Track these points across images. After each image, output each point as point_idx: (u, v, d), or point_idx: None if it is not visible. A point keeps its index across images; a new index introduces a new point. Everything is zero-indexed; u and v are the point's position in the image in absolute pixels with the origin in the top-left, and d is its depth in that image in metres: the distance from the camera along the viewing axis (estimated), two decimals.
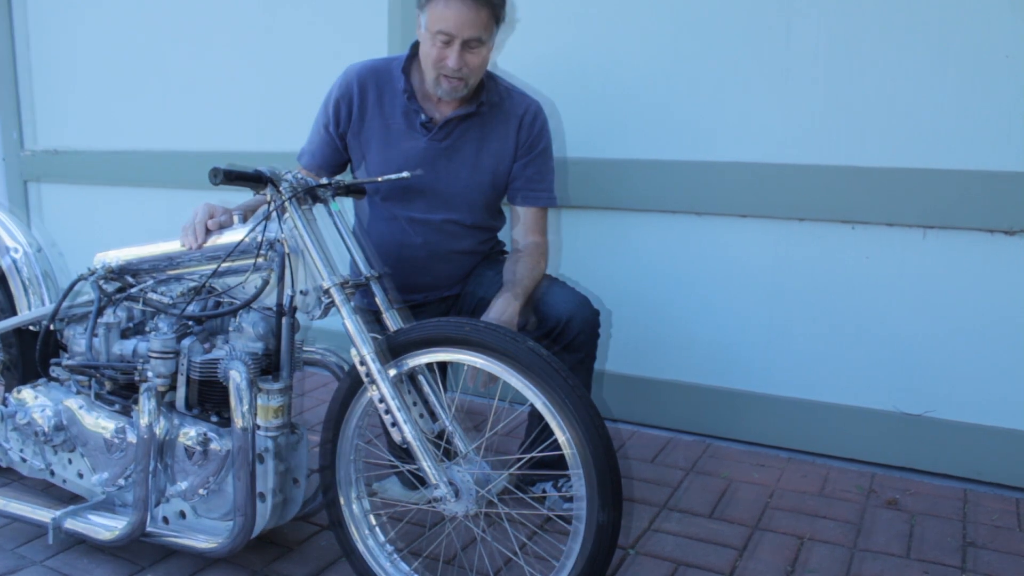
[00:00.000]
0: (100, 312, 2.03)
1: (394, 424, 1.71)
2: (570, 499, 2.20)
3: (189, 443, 1.86)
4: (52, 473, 2.19)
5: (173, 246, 1.99)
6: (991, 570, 1.96)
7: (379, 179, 1.91)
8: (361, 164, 2.20)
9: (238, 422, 1.77)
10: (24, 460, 2.23)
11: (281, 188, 1.79)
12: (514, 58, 2.75)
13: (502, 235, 2.34)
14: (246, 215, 1.97)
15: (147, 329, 2.03)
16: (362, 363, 1.73)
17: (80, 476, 2.15)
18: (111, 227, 3.96)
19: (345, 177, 2.02)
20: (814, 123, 2.43)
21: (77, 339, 2.06)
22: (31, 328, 2.27)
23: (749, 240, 2.57)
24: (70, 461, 2.15)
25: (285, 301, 1.83)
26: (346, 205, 2.32)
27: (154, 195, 3.77)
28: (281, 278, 1.81)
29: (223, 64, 3.49)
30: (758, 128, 2.51)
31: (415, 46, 2.13)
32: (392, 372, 1.73)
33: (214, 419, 1.93)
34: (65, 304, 2.16)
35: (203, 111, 3.57)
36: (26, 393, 2.18)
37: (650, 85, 2.63)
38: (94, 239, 4.05)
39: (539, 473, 2.16)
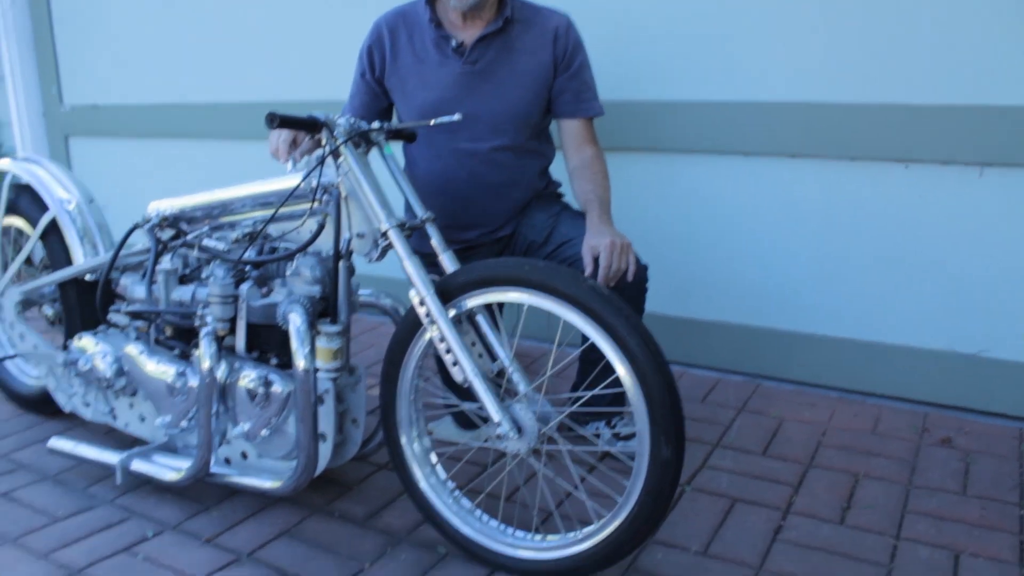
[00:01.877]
0: (157, 259, 2.06)
1: (455, 364, 1.73)
2: (624, 438, 2.23)
3: (251, 386, 1.89)
4: (114, 417, 2.24)
5: (225, 194, 2.00)
6: None
7: (431, 122, 1.90)
8: (402, 103, 2.20)
9: (300, 364, 1.80)
10: (87, 405, 2.29)
11: (335, 132, 1.79)
12: None
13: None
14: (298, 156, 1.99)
15: (203, 276, 2.05)
16: (421, 303, 1.74)
17: (142, 419, 2.20)
18: (153, 180, 3.99)
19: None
20: (866, 61, 2.38)
21: (135, 287, 2.09)
22: (86, 278, 2.31)
23: (799, 180, 2.53)
24: (131, 405, 2.20)
25: (341, 245, 1.84)
26: (395, 149, 2.33)
27: (195, 147, 3.78)
28: (337, 221, 1.82)
29: (261, 13, 3.47)
30: (808, 67, 2.46)
31: None
32: (451, 312, 1.74)
33: (273, 361, 1.97)
34: (122, 253, 2.20)
35: (242, 62, 3.57)
36: (86, 340, 2.23)
37: (696, 23, 2.58)
38: (136, 193, 4.07)
39: (592, 411, 2.17)
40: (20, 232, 2.55)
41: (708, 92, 2.60)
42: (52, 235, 2.38)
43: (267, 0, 3.44)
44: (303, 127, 1.76)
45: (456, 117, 1.90)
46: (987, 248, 2.33)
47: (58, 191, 2.39)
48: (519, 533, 1.80)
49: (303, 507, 2.04)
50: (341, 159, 1.81)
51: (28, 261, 2.53)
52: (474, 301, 1.75)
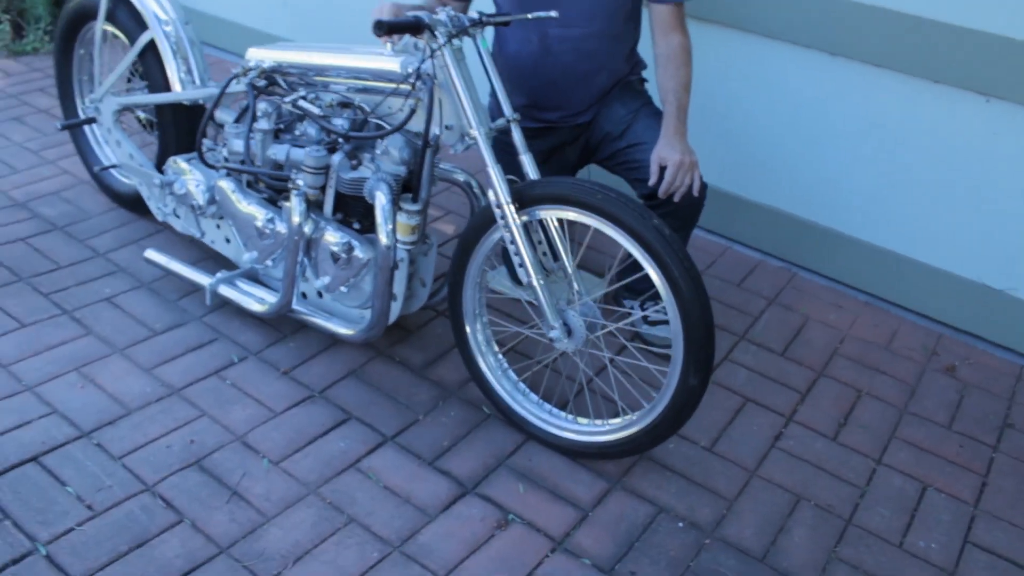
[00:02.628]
0: (254, 114, 2.17)
1: (520, 264, 1.92)
2: (652, 323, 2.43)
3: (335, 249, 2.10)
4: (202, 234, 2.47)
5: (326, 58, 2.07)
6: (1017, 452, 2.20)
7: (528, 16, 1.94)
8: None
9: (382, 239, 1.99)
10: (178, 217, 2.51)
11: (437, 33, 1.84)
12: None
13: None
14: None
15: (297, 132, 2.18)
16: (498, 206, 1.90)
17: (227, 241, 2.43)
18: None
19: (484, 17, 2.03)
20: None
21: (233, 140, 2.22)
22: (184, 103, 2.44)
23: (878, 90, 2.52)
24: (218, 227, 2.43)
25: (430, 135, 1.96)
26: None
27: None
28: (429, 112, 1.92)
29: None
30: None
31: None
32: (523, 218, 1.90)
33: (356, 227, 2.15)
34: (214, 91, 2.32)
35: None
36: (182, 165, 2.41)
37: None
38: None
39: (630, 289, 2.36)
40: (115, 37, 2.63)
41: None
42: (149, 53, 2.47)
43: None
44: (408, 30, 1.82)
45: (553, 14, 1.94)
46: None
47: (156, 9, 2.45)
48: (555, 411, 2.08)
49: (368, 348, 2.32)
50: (439, 56, 1.88)
51: None
52: (546, 213, 1.91)
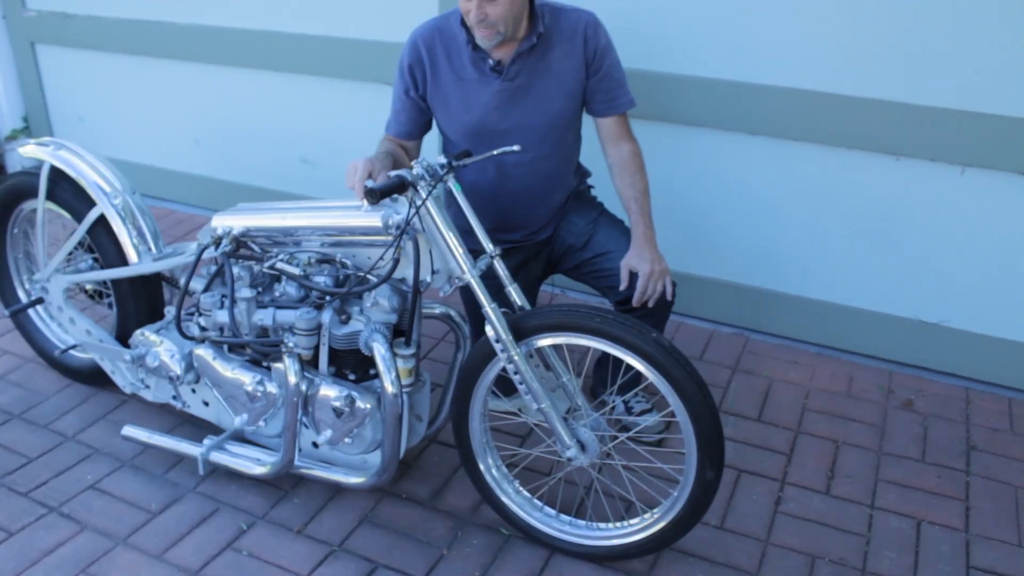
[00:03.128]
0: (214, 276, 2.17)
1: (527, 393, 1.99)
2: (637, 414, 2.54)
3: (337, 404, 2.11)
4: (177, 400, 2.43)
5: (300, 220, 2.11)
6: (989, 473, 2.41)
7: (495, 152, 2.04)
8: (445, 119, 2.29)
9: (388, 388, 2.02)
10: (148, 387, 2.46)
11: (420, 188, 1.92)
12: None
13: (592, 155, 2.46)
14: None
15: (277, 293, 2.19)
16: (497, 340, 1.97)
17: (205, 404, 2.40)
18: (134, 101, 3.89)
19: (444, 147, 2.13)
20: (869, 58, 2.54)
21: (217, 312, 2.20)
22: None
23: (799, 161, 2.75)
24: (194, 391, 2.39)
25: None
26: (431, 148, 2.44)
27: (182, 70, 3.69)
28: (417, 261, 1.98)
29: None
30: (815, 58, 2.61)
31: None
32: (523, 349, 1.98)
33: (351, 377, 2.17)
34: (168, 251, 2.32)
35: None
36: (151, 336, 2.37)
37: (713, 4, 2.67)
38: (116, 113, 3.99)
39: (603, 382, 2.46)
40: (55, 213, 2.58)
41: (719, 71, 2.73)
42: (98, 226, 2.43)
43: None
44: (396, 191, 1.88)
45: (516, 148, 2.05)
46: (961, 235, 2.64)
47: (102, 183, 2.42)
48: (576, 521, 2.14)
49: (375, 491, 2.32)
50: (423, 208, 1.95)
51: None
52: (544, 342, 1.99)
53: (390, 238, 2.01)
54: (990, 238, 2.61)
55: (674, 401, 1.92)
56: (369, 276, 2.08)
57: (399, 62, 2.28)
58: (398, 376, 2.03)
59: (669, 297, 2.19)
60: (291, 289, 2.16)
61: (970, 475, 2.41)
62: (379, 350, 2.03)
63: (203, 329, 2.26)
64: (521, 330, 1.98)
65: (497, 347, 1.98)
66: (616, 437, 2.11)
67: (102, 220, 2.42)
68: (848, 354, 2.92)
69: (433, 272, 2.04)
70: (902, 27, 2.48)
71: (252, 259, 2.20)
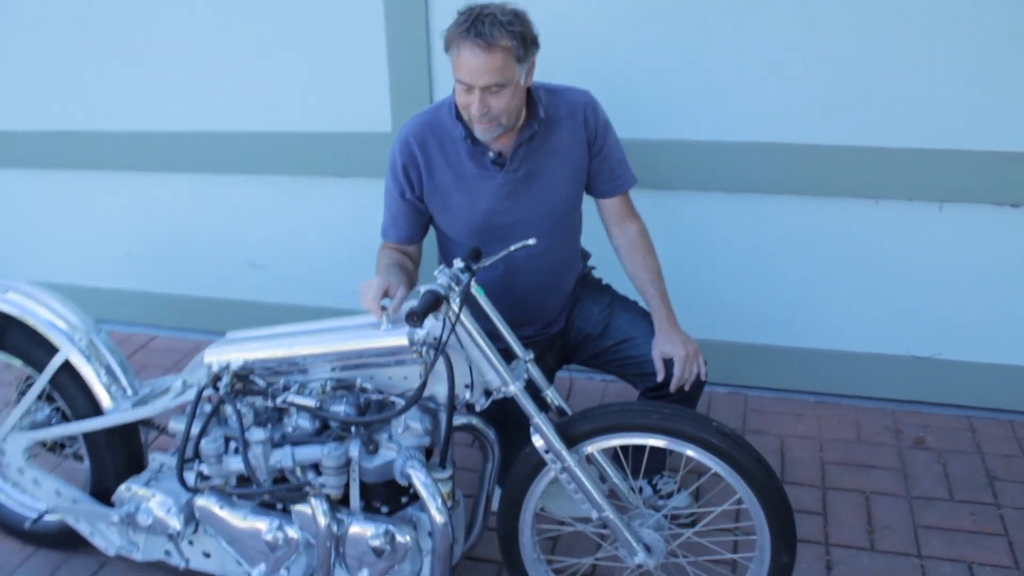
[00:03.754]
0: (214, 417, 1.96)
1: (585, 502, 1.86)
2: (664, 496, 2.43)
3: (376, 543, 1.91)
4: (172, 555, 2.17)
5: (312, 348, 1.92)
6: (1018, 503, 2.43)
7: (512, 248, 1.92)
8: (446, 219, 2.17)
9: (437, 517, 1.85)
10: (136, 546, 2.19)
11: (452, 301, 1.78)
12: None
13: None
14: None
15: (289, 429, 1.98)
16: (547, 451, 1.84)
17: (207, 555, 2.15)
18: (52, 217, 3.59)
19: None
20: (842, 106, 2.59)
21: (229, 460, 1.97)
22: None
23: (779, 215, 2.76)
24: (191, 543, 2.15)
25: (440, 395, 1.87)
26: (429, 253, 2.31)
27: (102, 179, 3.43)
28: (452, 379, 1.83)
29: (182, 34, 3.13)
30: (789, 110, 2.63)
31: None
32: (576, 457, 1.85)
33: (384, 510, 1.98)
34: (167, 403, 2.08)
35: (153, 86, 3.23)
36: (140, 490, 2.11)
37: (680, 70, 2.67)
38: (34, 230, 3.67)
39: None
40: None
41: (693, 132, 2.72)
42: (61, 374, 2.17)
43: (189, 21, 3.10)
44: (433, 309, 1.74)
45: (531, 241, 1.93)
46: (941, 271, 2.69)
47: (62, 325, 2.17)
48: None
49: None
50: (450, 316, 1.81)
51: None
52: (597, 446, 1.87)
53: (415, 356, 1.86)
54: (972, 268, 2.68)
55: (742, 488, 1.84)
56: (397, 399, 1.91)
57: (391, 163, 2.15)
58: (444, 503, 1.87)
59: (704, 377, 2.12)
60: (304, 422, 1.96)
61: (1001, 507, 2.42)
62: (419, 478, 1.86)
63: (204, 477, 2.03)
64: (572, 436, 1.86)
65: (547, 457, 1.85)
66: (679, 534, 2.00)
67: (66, 365, 2.16)
68: (848, 398, 2.92)
69: (467, 386, 1.90)
70: (869, 73, 2.54)
71: (255, 394, 1.99)
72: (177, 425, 2.06)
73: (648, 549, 1.90)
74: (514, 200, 2.11)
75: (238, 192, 3.30)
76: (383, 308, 1.86)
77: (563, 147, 2.11)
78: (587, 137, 2.12)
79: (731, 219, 2.81)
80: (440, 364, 1.86)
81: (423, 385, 1.84)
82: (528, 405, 1.82)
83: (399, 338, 1.85)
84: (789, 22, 2.54)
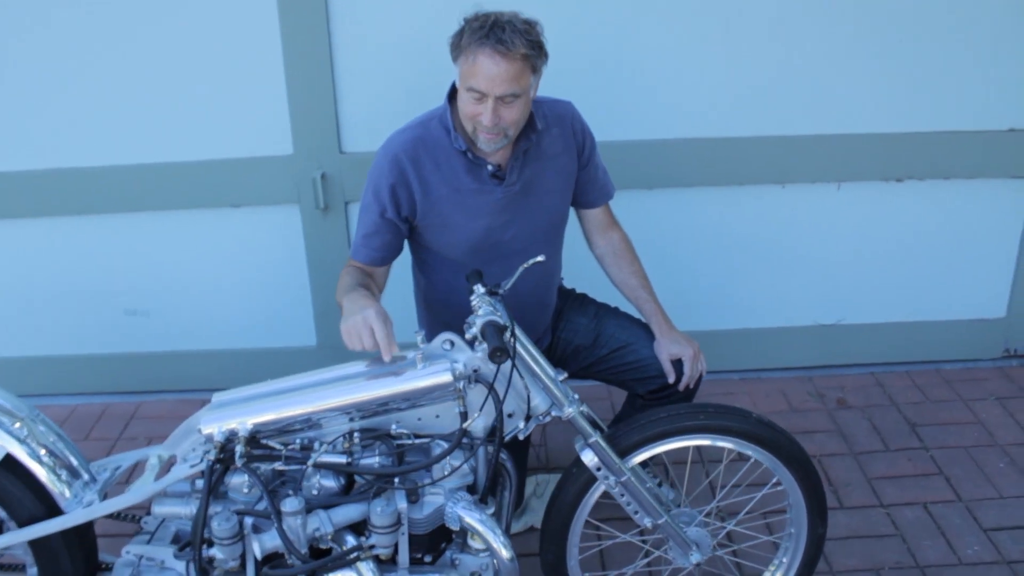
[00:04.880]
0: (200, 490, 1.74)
1: (637, 512, 1.85)
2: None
3: None
4: None
5: (334, 399, 1.74)
6: (939, 442, 2.73)
7: (524, 266, 1.85)
8: (441, 237, 2.05)
9: (504, 554, 1.77)
10: None
11: (508, 342, 1.69)
12: None
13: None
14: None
15: (315, 492, 1.77)
16: (599, 468, 1.81)
17: None
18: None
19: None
20: (751, 100, 2.76)
21: (252, 540, 1.71)
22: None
23: (696, 206, 2.89)
24: None
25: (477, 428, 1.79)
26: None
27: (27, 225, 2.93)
28: (500, 409, 1.74)
29: (42, 63, 2.70)
30: (702, 107, 2.76)
31: (454, 89, 2.00)
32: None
33: (427, 559, 1.85)
34: (147, 491, 1.80)
35: (63, 122, 2.80)
36: None
37: (598, 71, 2.71)
38: None
39: None
40: None
41: (611, 133, 2.74)
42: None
43: (49, 47, 2.69)
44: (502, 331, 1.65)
45: (541, 259, 1.88)
46: (840, 245, 2.96)
47: None
48: None
49: None
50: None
51: None
52: (645, 456, 1.87)
53: (456, 392, 1.74)
54: (865, 239, 2.96)
55: (782, 472, 1.91)
56: (439, 441, 1.78)
57: (372, 181, 2.00)
58: (508, 538, 1.78)
59: (705, 372, 2.17)
60: (329, 482, 1.78)
61: (928, 449, 2.70)
62: (475, 519, 1.76)
63: (209, 562, 1.77)
64: (622, 449, 1.83)
65: (599, 474, 1.82)
66: (721, 527, 2.05)
67: (4, 462, 1.81)
68: (769, 371, 3.12)
69: (508, 416, 1.81)
70: (775, 69, 2.72)
71: (272, 459, 1.77)
72: (171, 508, 1.80)
73: (697, 546, 1.93)
74: (512, 214, 2.04)
75: (110, 234, 2.91)
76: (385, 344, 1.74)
77: (555, 158, 2.07)
78: (576, 147, 2.10)
79: (650, 213, 2.89)
80: (477, 396, 1.77)
81: (463, 421, 1.74)
82: (586, 425, 1.78)
83: (441, 375, 1.73)
84: (704, 22, 2.67)
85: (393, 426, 1.78)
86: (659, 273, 2.92)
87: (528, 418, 1.82)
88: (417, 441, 1.79)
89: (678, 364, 2.10)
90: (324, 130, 2.77)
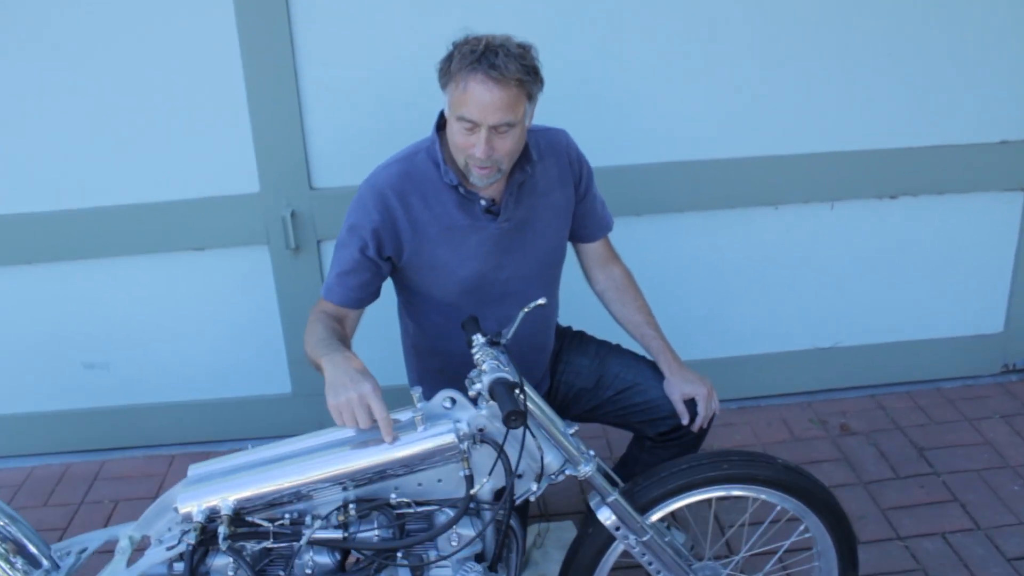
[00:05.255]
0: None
1: (660, 572, 1.71)
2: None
3: None
4: None
5: (327, 469, 1.57)
6: (949, 467, 2.63)
7: (526, 310, 1.70)
8: (430, 278, 1.90)
9: None
10: None
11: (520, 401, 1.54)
12: None
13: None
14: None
15: (308, 572, 1.60)
16: (618, 527, 1.66)
17: None
18: None
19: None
20: (739, 120, 2.66)
21: None
22: None
23: (685, 232, 2.78)
24: None
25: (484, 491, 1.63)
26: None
27: None
28: (509, 470, 1.59)
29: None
30: (690, 128, 2.65)
31: (442, 119, 1.86)
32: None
33: None
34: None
35: (9, 164, 2.57)
36: None
37: (582, 95, 2.58)
38: None
39: None
40: None
41: (597, 159, 2.62)
42: None
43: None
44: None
45: (542, 301, 1.73)
46: (834, 265, 2.86)
47: None
48: None
49: None
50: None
51: None
52: (666, 511, 1.73)
53: (461, 453, 1.59)
54: (860, 258, 2.87)
55: (811, 520, 1.80)
56: (445, 509, 1.62)
57: (353, 218, 1.84)
58: None
59: (718, 411, 2.04)
60: (324, 559, 1.61)
61: (939, 475, 2.61)
62: None
63: None
64: (640, 506, 1.69)
65: (618, 534, 1.67)
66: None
67: None
68: (767, 399, 3.01)
69: (517, 476, 1.66)
70: (762, 87, 2.63)
71: (258, 538, 1.60)
72: None
73: None
74: (507, 252, 1.90)
75: (65, 283, 2.71)
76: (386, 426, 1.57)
77: (550, 191, 1.93)
78: (573, 179, 1.97)
79: (640, 241, 2.76)
80: (483, 456, 1.61)
81: (469, 485, 1.59)
82: (604, 484, 1.63)
83: (445, 437, 1.57)
84: (688, 43, 2.56)
85: (392, 494, 1.61)
86: (651, 301, 2.78)
87: (539, 478, 1.67)
88: (420, 509, 1.63)
89: (690, 404, 1.97)
90: (292, 165, 2.61)
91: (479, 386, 1.56)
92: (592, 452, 1.65)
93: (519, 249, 1.91)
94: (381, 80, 2.54)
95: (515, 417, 1.42)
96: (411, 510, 1.62)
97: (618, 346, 2.15)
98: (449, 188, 1.83)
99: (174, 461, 2.87)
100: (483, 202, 1.85)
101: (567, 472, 1.64)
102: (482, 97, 1.66)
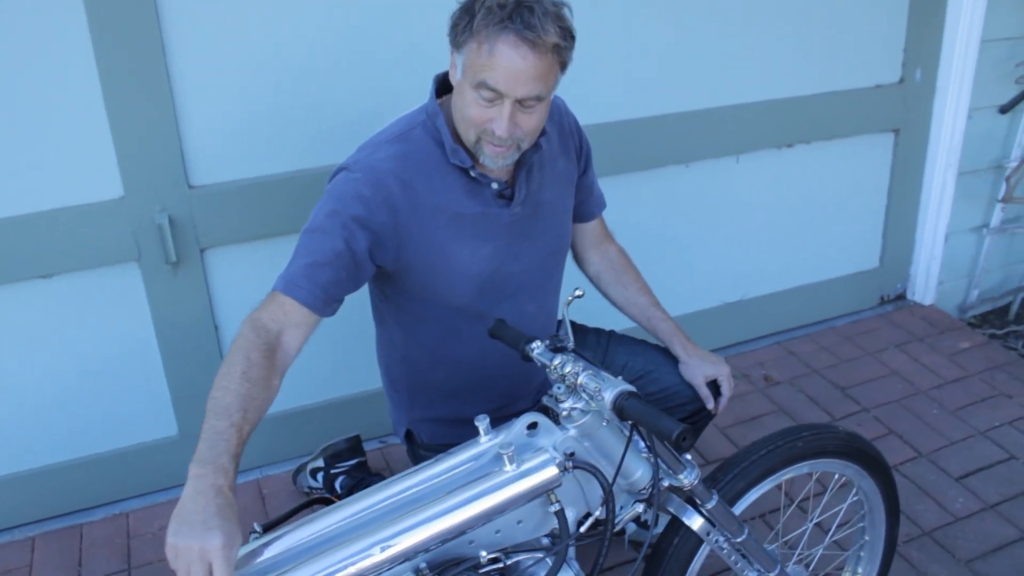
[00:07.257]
0: None
1: (747, 568, 1.58)
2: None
3: None
4: None
5: (412, 537, 1.24)
6: (870, 401, 2.74)
7: (570, 300, 1.48)
8: (438, 276, 1.59)
9: None
10: None
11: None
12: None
13: None
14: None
15: None
16: (707, 533, 1.50)
17: None
18: None
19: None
20: (650, 79, 2.55)
21: None
22: None
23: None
24: None
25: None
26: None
27: None
28: (610, 495, 1.36)
29: None
30: (603, 90, 2.50)
31: (441, 82, 1.57)
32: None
33: None
34: None
35: None
36: None
37: None
38: None
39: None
40: None
41: None
42: None
43: None
44: None
45: (579, 292, 1.52)
46: (742, 219, 2.86)
47: None
48: None
49: None
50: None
51: None
52: (748, 502, 1.59)
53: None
54: (763, 209, 2.89)
55: (864, 481, 1.75)
56: (535, 555, 1.36)
57: (336, 204, 1.50)
58: None
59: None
60: None
61: (868, 410, 2.71)
62: None
63: None
64: (729, 498, 1.54)
65: (708, 537, 1.51)
66: (812, 556, 1.83)
67: None
68: None
69: (602, 504, 1.43)
70: (673, 45, 2.53)
71: None
72: None
73: None
74: (521, 241, 1.65)
75: None
76: None
77: (558, 169, 1.70)
78: (575, 148, 1.74)
79: None
80: (571, 485, 1.37)
81: (563, 520, 1.34)
82: (705, 490, 1.45)
83: (547, 471, 1.30)
84: (597, 7, 2.39)
85: (482, 553, 1.32)
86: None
87: (647, 497, 1.44)
88: (509, 562, 1.35)
89: (710, 385, 1.84)
90: (164, 161, 2.12)
91: (582, 404, 1.30)
92: (689, 457, 1.46)
93: (532, 237, 1.67)
94: (267, 55, 2.13)
95: (686, 437, 1.18)
96: (501, 565, 1.34)
97: (613, 332, 1.97)
98: (456, 170, 1.53)
99: (36, 545, 2.27)
100: (495, 185, 1.57)
101: (666, 483, 1.44)
102: (513, 63, 1.38)
